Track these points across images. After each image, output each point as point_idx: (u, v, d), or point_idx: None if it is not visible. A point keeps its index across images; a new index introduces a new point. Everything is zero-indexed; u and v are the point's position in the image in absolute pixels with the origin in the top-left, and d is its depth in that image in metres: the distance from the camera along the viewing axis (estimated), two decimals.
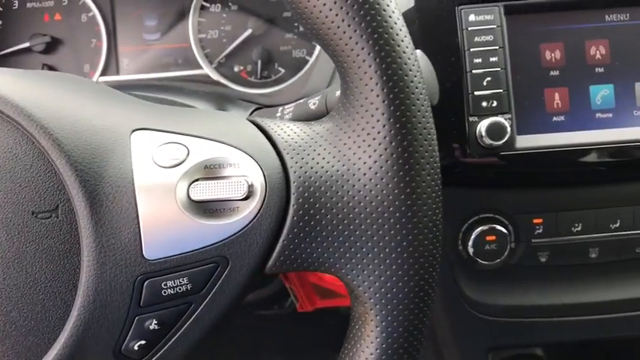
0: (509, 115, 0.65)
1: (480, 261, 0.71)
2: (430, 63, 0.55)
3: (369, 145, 0.38)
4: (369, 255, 0.38)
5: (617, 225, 0.71)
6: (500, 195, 0.71)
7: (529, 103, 0.66)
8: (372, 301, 0.38)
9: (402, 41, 0.38)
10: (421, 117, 0.38)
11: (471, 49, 0.65)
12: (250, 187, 0.39)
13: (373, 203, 0.38)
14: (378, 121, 0.38)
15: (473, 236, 0.71)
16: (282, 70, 0.81)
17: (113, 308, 0.38)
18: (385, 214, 0.38)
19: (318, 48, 0.79)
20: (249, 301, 0.80)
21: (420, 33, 0.67)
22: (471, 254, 0.71)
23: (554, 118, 0.67)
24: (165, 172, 0.38)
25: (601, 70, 0.67)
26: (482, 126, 0.64)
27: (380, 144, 0.38)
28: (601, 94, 0.67)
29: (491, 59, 0.65)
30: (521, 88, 0.66)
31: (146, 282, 0.38)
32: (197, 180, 0.39)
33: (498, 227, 0.70)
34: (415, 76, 0.38)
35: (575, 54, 0.67)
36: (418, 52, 0.54)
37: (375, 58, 0.37)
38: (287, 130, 0.42)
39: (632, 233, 0.72)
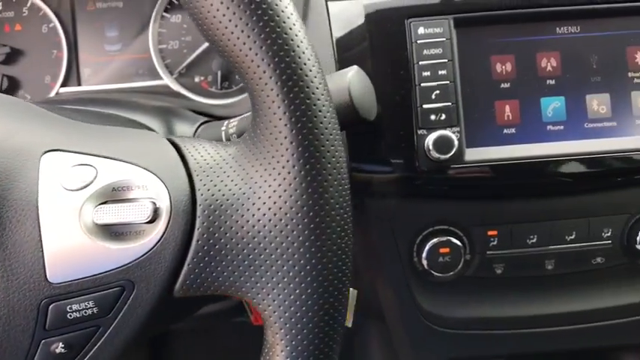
0: (458, 128, 0.64)
1: (434, 273, 0.71)
2: (368, 78, 0.55)
3: (274, 169, 0.38)
4: (274, 279, 0.38)
5: (573, 237, 0.71)
6: (454, 207, 0.71)
7: (479, 115, 0.66)
8: (277, 325, 0.38)
9: (305, 64, 0.38)
10: (325, 140, 0.38)
11: (420, 62, 0.65)
12: (157, 209, 0.38)
13: (277, 227, 0.38)
14: (281, 144, 0.37)
15: (426, 248, 0.70)
16: None
17: (17, 332, 0.37)
18: (289, 238, 0.37)
19: None
20: (226, 307, 0.80)
21: (370, 47, 0.67)
22: (425, 266, 0.71)
23: (505, 131, 0.66)
24: (71, 195, 0.38)
25: (552, 82, 0.66)
26: (430, 139, 0.63)
27: (284, 167, 0.38)
28: (552, 106, 0.66)
29: (440, 72, 0.65)
30: (471, 101, 0.66)
31: (51, 305, 0.38)
32: (104, 203, 0.39)
33: (452, 239, 0.70)
34: (319, 99, 0.38)
35: (526, 66, 0.66)
36: (354, 67, 0.53)
37: (277, 81, 0.37)
38: (202, 151, 0.42)
39: (587, 245, 0.71)
